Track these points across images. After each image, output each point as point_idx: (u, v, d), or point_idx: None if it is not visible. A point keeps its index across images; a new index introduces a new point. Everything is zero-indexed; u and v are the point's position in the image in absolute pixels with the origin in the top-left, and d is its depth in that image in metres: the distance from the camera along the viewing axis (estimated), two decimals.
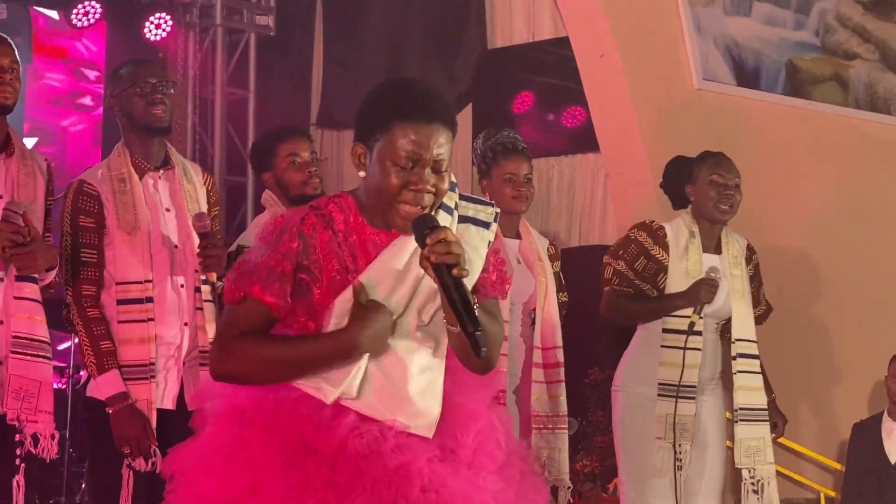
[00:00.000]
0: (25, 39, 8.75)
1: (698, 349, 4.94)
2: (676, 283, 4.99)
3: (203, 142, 9.36)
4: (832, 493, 6.37)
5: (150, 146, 4.35)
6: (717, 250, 5.12)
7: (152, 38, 8.85)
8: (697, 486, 4.96)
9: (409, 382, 2.79)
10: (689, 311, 4.91)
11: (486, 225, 2.89)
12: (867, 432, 6.33)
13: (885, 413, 6.31)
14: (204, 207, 4.40)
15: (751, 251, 5.28)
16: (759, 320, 5.28)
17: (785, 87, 6.95)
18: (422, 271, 2.73)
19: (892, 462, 6.21)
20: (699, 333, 4.93)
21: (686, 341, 4.88)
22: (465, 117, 8.27)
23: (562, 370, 4.76)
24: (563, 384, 4.77)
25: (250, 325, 2.77)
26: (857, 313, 6.81)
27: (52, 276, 4.23)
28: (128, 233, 4.22)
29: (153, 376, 4.20)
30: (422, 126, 2.72)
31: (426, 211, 2.75)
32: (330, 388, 2.75)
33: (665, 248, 5.01)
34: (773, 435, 5.32)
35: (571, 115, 8.61)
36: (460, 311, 2.65)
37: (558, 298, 4.87)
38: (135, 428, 4.12)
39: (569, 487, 4.78)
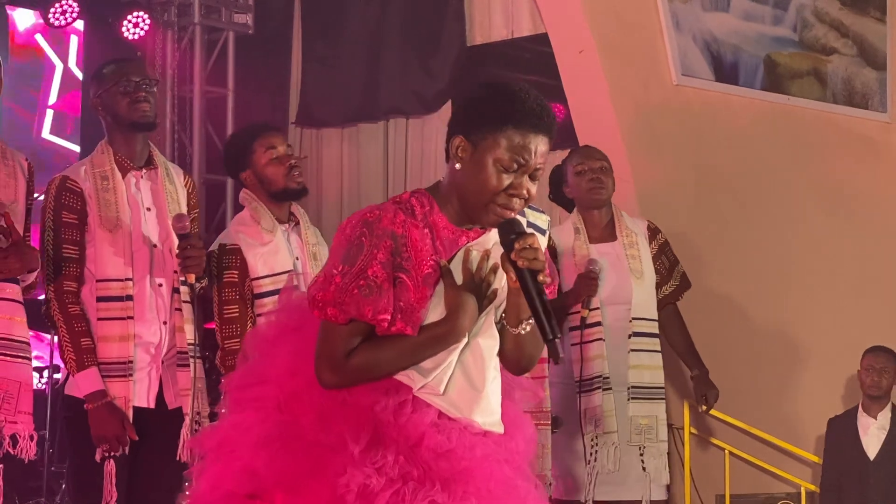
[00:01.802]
0: (3, 39, 8.77)
1: (597, 339, 5.11)
2: (569, 281, 5.14)
3: (182, 140, 9.30)
4: (812, 487, 6.38)
5: (133, 145, 4.38)
6: (612, 237, 5.30)
7: (130, 36, 8.78)
8: (612, 477, 5.09)
9: (486, 381, 2.84)
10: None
11: (543, 232, 2.93)
12: (843, 427, 6.34)
13: (860, 407, 6.33)
14: (184, 209, 4.41)
15: (653, 231, 5.46)
16: (672, 297, 5.49)
17: (763, 82, 6.96)
18: (499, 281, 2.81)
19: (871, 458, 6.22)
20: (596, 325, 5.11)
21: (581, 336, 5.07)
22: (443, 115, 8.26)
23: (546, 366, 4.81)
24: (547, 380, 4.84)
25: (356, 339, 2.77)
26: (833, 307, 6.84)
27: (33, 276, 4.23)
28: (109, 230, 4.24)
29: (131, 374, 4.21)
30: (532, 134, 2.75)
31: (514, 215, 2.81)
32: (420, 376, 2.78)
33: (553, 250, 5.12)
34: (704, 407, 5.55)
35: None
36: (542, 318, 2.71)
37: None
38: (113, 425, 4.13)
39: (551, 484, 4.86)
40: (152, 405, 4.29)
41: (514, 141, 2.74)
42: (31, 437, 4.13)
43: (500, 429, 2.86)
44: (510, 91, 2.81)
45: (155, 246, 4.32)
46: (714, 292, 6.44)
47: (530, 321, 2.79)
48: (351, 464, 2.69)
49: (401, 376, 2.77)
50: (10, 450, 4.03)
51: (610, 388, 5.11)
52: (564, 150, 8.19)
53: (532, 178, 2.77)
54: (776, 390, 6.67)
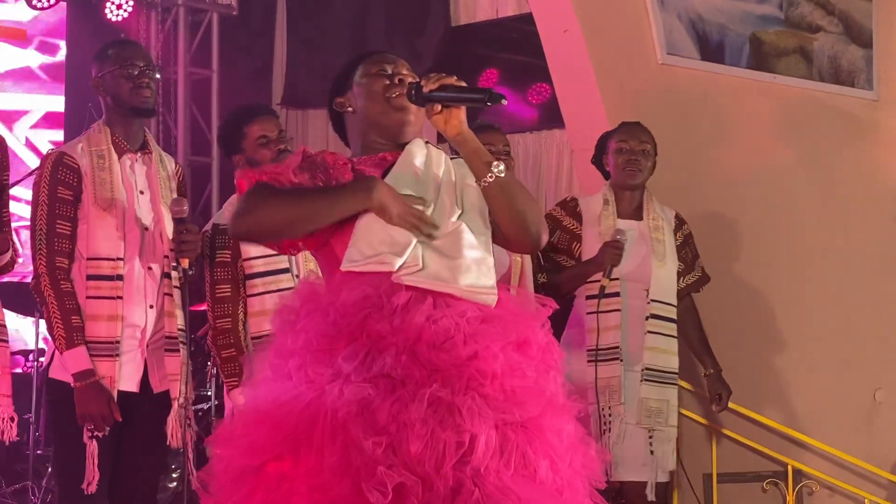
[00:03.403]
0: None
1: (615, 310, 5.10)
2: (591, 249, 5.16)
3: (166, 122, 9.40)
4: (799, 465, 6.38)
5: (130, 128, 4.39)
6: (640, 217, 5.29)
7: (113, 18, 8.77)
8: (620, 454, 5.05)
9: (463, 251, 2.96)
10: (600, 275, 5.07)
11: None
12: None
13: None
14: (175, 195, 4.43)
15: (680, 221, 5.45)
16: (692, 288, 5.50)
17: (749, 60, 6.91)
18: (441, 169, 3.08)
19: None
20: (614, 295, 5.09)
21: (599, 305, 5.05)
22: None
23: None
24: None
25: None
26: (823, 287, 6.82)
27: (6, 258, 4.22)
28: (104, 209, 4.23)
29: (118, 354, 4.20)
30: (377, 55, 3.24)
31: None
32: (394, 256, 2.91)
33: (577, 217, 5.24)
34: (718, 407, 5.51)
35: (537, 91, 8.60)
36: (467, 94, 2.99)
37: (536, 280, 4.98)
38: (99, 404, 4.12)
39: None
40: (136, 389, 4.27)
41: (370, 62, 3.19)
42: (12, 419, 4.18)
43: (493, 297, 2.95)
44: (351, 56, 3.28)
45: (147, 229, 4.32)
46: (732, 283, 6.43)
47: (494, 169, 2.99)
48: (346, 383, 2.77)
49: (377, 263, 2.91)
50: None
51: (618, 360, 5.09)
52: (550, 129, 8.38)
53: (402, 82, 3.13)
54: (761, 370, 6.63)
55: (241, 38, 9.56)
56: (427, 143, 3.17)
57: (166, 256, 4.32)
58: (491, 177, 3.00)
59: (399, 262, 2.91)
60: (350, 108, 3.19)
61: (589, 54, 6.44)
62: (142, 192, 4.35)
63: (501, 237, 3.10)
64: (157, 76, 4.41)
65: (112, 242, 4.23)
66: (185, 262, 4.29)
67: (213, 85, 9.45)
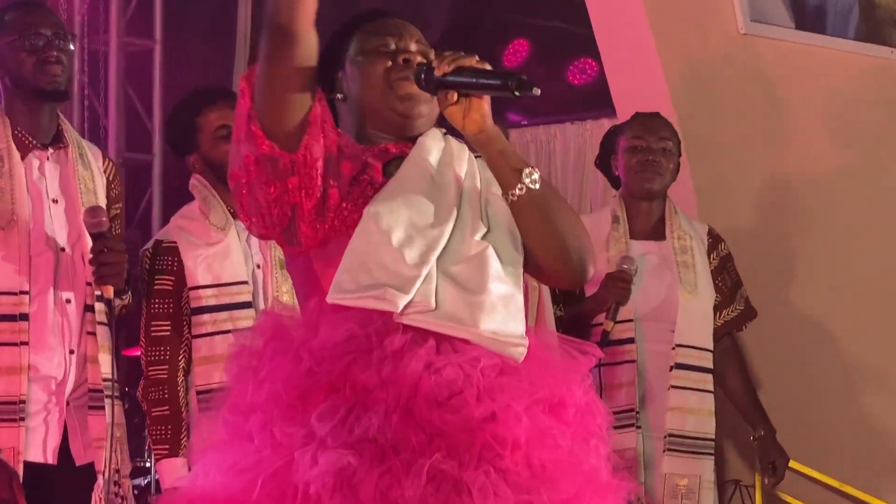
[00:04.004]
0: None
1: (627, 362, 5.10)
2: (599, 281, 5.09)
3: (94, 108, 9.39)
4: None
5: (38, 117, 4.37)
6: (660, 235, 5.30)
7: None
8: None
9: (488, 283, 2.90)
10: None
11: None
12: None
13: None
14: (102, 202, 4.42)
15: (715, 239, 5.44)
16: (734, 325, 5.48)
17: (858, 29, 6.80)
18: (463, 169, 3.07)
19: None
20: (626, 342, 5.10)
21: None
22: None
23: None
24: None
25: None
26: None
27: None
28: (2, 227, 4.21)
29: (23, 419, 4.17)
30: (379, 21, 3.25)
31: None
32: (398, 292, 2.84)
33: None
34: (772, 479, 5.48)
35: (579, 68, 8.63)
36: (490, 79, 2.93)
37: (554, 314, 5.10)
38: None
39: None
40: (53, 460, 4.25)
41: (367, 33, 3.18)
42: None
43: (522, 349, 2.88)
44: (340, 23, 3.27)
45: (63, 250, 4.29)
46: (787, 314, 6.40)
47: (525, 179, 2.96)
48: (322, 449, 2.73)
49: (375, 300, 2.85)
50: None
51: (632, 426, 5.09)
52: (597, 117, 8.49)
53: (408, 63, 3.11)
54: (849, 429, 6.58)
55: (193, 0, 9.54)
56: (445, 134, 3.14)
57: (89, 284, 4.28)
58: (521, 189, 2.97)
59: (405, 299, 2.85)
60: (339, 95, 3.17)
61: (648, 20, 6.44)
62: (55, 202, 4.30)
63: (533, 266, 3.06)
64: (72, 47, 4.38)
65: (12, 271, 4.18)
66: (109, 291, 4.24)
67: (155, 60, 9.47)
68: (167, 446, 4.48)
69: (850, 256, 6.62)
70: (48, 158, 4.34)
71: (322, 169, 2.95)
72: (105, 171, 4.52)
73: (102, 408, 4.31)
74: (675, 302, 5.16)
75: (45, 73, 4.29)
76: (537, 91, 2.88)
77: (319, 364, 2.83)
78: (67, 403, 4.29)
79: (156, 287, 4.59)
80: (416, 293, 2.85)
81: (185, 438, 4.54)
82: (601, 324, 5.04)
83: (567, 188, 8.57)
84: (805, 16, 6.78)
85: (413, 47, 3.14)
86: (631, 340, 5.11)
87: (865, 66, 6.79)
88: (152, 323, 4.59)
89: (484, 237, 2.98)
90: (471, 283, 2.90)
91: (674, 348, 5.13)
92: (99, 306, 4.29)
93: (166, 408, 4.54)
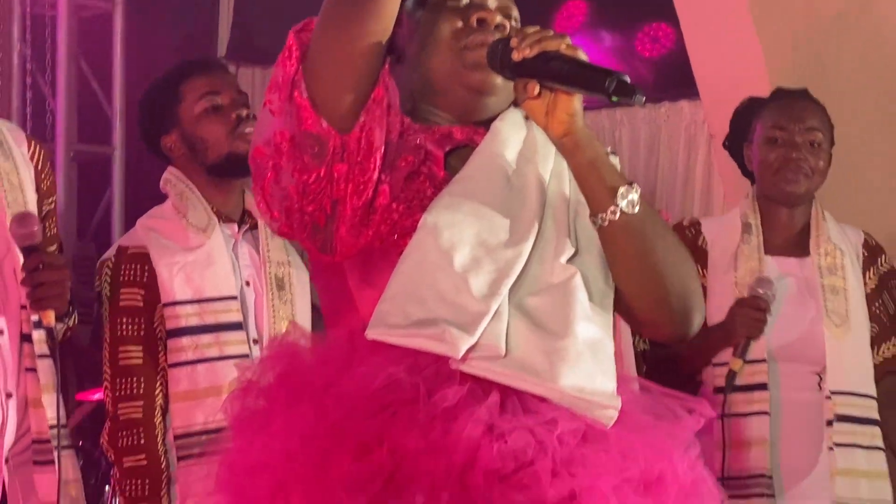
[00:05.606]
0: None
1: (758, 413, 4.76)
2: (721, 308, 4.77)
3: (38, 87, 9.02)
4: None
5: None
6: (803, 250, 4.94)
7: None
8: None
9: (574, 324, 2.68)
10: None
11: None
12: None
13: None
14: (31, 204, 4.23)
15: (872, 252, 5.07)
16: (891, 363, 5.02)
17: None
18: (548, 169, 2.86)
19: None
20: (758, 388, 4.75)
21: (726, 404, 4.71)
22: None
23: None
24: None
25: None
26: None
27: None
28: None
29: None
30: None
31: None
32: (460, 332, 2.62)
33: (699, 254, 4.94)
34: None
35: (651, 36, 8.40)
36: (583, 73, 2.66)
37: (636, 347, 4.87)
38: None
39: None
40: None
41: None
42: None
43: (613, 411, 2.68)
44: None
45: None
46: None
47: (620, 197, 2.71)
48: None
49: (429, 339, 2.64)
50: None
51: (773, 497, 4.67)
52: (675, 100, 8.38)
53: (484, 24, 2.92)
54: None
55: None
56: (527, 118, 2.89)
57: (24, 307, 4.08)
58: (614, 212, 2.74)
59: (468, 342, 2.62)
60: (392, 56, 2.93)
61: None
62: None
63: (624, 308, 2.86)
64: None
65: None
66: (49, 317, 4.05)
67: (115, 27, 9.07)
68: None
69: None
70: None
71: (380, 161, 2.74)
72: (31, 158, 4.27)
73: (51, 462, 4.10)
74: (820, 337, 4.75)
75: None
76: (641, 99, 2.64)
77: (349, 417, 2.64)
78: (7, 461, 4.11)
79: (122, 304, 4.36)
80: (483, 334, 2.66)
81: (166, 496, 4.34)
82: (723, 363, 4.67)
83: (638, 174, 8.44)
84: None
85: (492, 3, 2.94)
86: (763, 386, 4.71)
87: None
88: (119, 349, 4.37)
89: (570, 260, 2.78)
90: (552, 322, 2.71)
91: (828, 397, 4.70)
92: (38, 335, 4.07)
93: (142, 456, 4.31)
